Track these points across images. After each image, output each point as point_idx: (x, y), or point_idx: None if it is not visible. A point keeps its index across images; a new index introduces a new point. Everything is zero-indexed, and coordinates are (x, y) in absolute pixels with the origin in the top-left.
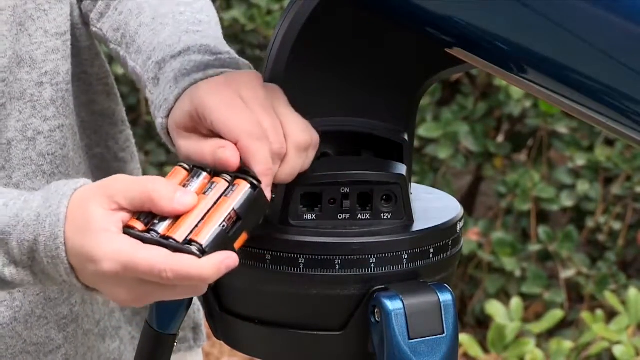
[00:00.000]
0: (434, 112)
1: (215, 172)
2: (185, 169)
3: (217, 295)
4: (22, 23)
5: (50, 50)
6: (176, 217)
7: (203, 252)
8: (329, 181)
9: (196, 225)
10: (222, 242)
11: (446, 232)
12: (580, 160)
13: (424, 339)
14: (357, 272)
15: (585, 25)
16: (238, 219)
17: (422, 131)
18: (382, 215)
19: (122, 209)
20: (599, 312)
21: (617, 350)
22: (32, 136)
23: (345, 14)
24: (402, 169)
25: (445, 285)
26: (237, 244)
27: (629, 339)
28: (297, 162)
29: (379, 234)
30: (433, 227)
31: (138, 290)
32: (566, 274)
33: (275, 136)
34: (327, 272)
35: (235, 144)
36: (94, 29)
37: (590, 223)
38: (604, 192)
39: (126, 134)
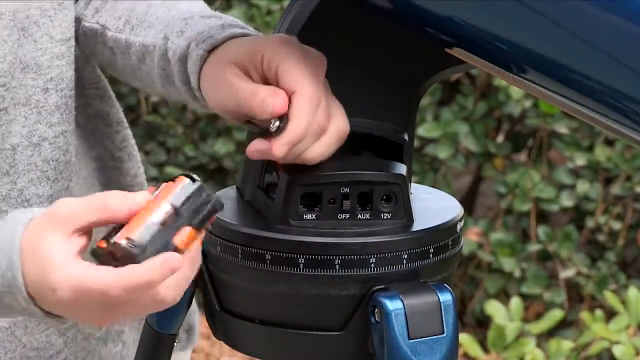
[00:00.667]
0: (434, 112)
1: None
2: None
3: (217, 295)
4: (25, 28)
5: (56, 56)
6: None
7: (135, 246)
8: (329, 181)
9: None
10: (159, 236)
11: (446, 232)
12: (580, 160)
13: (423, 339)
14: (357, 272)
15: (585, 25)
16: (177, 214)
17: (422, 131)
18: (382, 215)
19: (76, 231)
20: (599, 312)
21: (617, 350)
22: (38, 142)
23: (345, 14)
24: (402, 169)
25: (445, 285)
26: (183, 242)
27: (629, 338)
28: (330, 146)
29: (379, 234)
30: (433, 227)
31: (101, 312)
32: (566, 274)
33: (323, 112)
34: (327, 272)
35: (290, 96)
36: (88, 24)
37: (590, 223)
38: (604, 192)
39: (123, 134)
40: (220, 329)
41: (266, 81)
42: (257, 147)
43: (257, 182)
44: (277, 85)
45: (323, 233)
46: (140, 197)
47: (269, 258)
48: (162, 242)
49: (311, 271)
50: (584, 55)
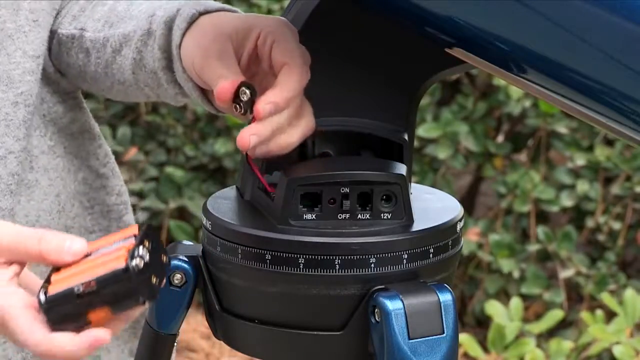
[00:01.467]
0: (434, 112)
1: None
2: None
3: (217, 295)
4: (1, 41)
5: (27, 71)
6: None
7: (41, 302)
8: (329, 181)
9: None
10: (68, 303)
11: (446, 232)
12: (580, 160)
13: (423, 339)
14: (357, 272)
15: (585, 25)
16: (94, 292)
17: (422, 131)
18: (382, 215)
19: (5, 262)
20: (599, 312)
21: (617, 350)
22: (4, 155)
23: (345, 14)
24: (402, 169)
25: (445, 285)
26: (95, 318)
27: (627, 340)
28: (300, 138)
29: (379, 234)
30: (433, 227)
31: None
32: (566, 274)
33: (301, 101)
34: (327, 272)
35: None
36: (65, 32)
37: (590, 223)
38: (603, 192)
39: (104, 148)
40: (220, 329)
41: (254, 58)
42: (243, 133)
43: (257, 182)
44: (269, 59)
45: (323, 233)
46: (77, 246)
47: (269, 258)
48: (67, 306)
49: (311, 271)
50: (584, 55)
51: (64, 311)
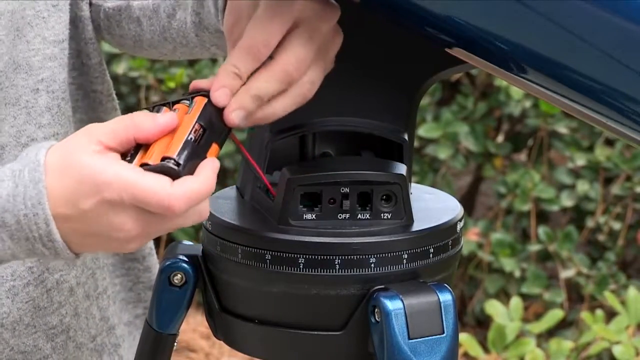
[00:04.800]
0: (434, 112)
1: (174, 102)
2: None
3: (217, 295)
4: (19, 29)
5: (48, 57)
6: (147, 148)
7: (178, 164)
8: (329, 181)
9: (167, 146)
10: (193, 152)
11: (446, 232)
12: (580, 160)
13: (423, 338)
14: (357, 272)
15: (585, 25)
16: (204, 131)
17: (422, 131)
18: (382, 215)
19: (109, 148)
20: (599, 312)
21: (617, 350)
22: (26, 142)
23: (345, 13)
24: (402, 169)
25: (445, 285)
26: (210, 155)
27: (629, 339)
28: (291, 106)
29: (379, 234)
30: (433, 227)
31: (142, 221)
32: (566, 274)
33: (299, 64)
34: (327, 272)
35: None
36: (110, 4)
37: (590, 223)
38: (604, 192)
39: None
40: (220, 329)
41: None
42: (227, 112)
43: (257, 182)
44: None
45: (323, 233)
46: (165, 117)
47: (269, 258)
48: (194, 155)
49: (311, 271)
50: (584, 55)
51: (192, 164)
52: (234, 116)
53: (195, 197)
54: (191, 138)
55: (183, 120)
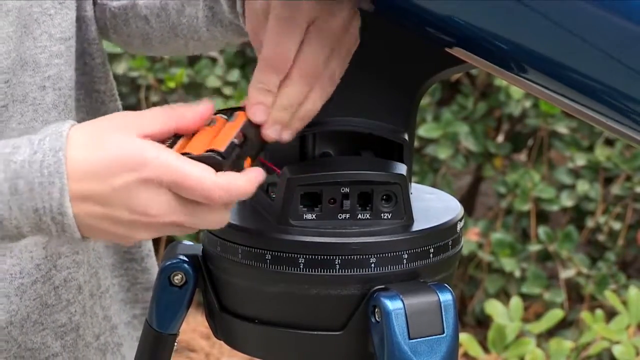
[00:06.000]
0: (434, 112)
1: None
2: None
3: (217, 295)
4: (26, 25)
5: (54, 54)
6: (187, 140)
7: (223, 157)
8: (329, 181)
9: (210, 142)
10: (235, 155)
11: (446, 232)
12: (580, 160)
13: (424, 338)
14: (357, 272)
15: (585, 25)
16: (245, 140)
17: (422, 131)
18: (382, 215)
19: (146, 136)
20: (599, 312)
21: (617, 350)
22: None
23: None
24: (402, 169)
25: (446, 285)
26: (245, 166)
27: (629, 338)
28: (323, 97)
29: (379, 234)
30: (433, 227)
31: (171, 208)
32: (566, 274)
33: (318, 58)
34: (327, 272)
35: None
36: (116, 4)
37: (590, 223)
38: (604, 192)
39: None
40: (220, 329)
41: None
42: (267, 131)
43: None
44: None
45: (323, 233)
46: (204, 106)
47: (269, 258)
48: (235, 157)
49: (311, 271)
50: (584, 55)
51: (234, 165)
52: (271, 132)
53: (236, 193)
54: (235, 142)
55: (225, 127)
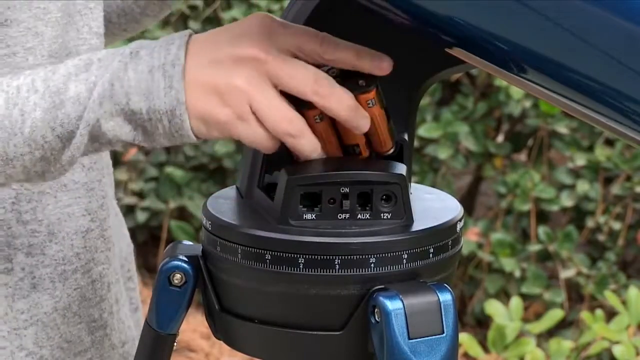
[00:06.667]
0: (434, 112)
1: None
2: None
3: (217, 295)
4: (71, 15)
5: (93, 47)
6: None
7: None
8: (329, 181)
9: None
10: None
11: (446, 232)
12: (580, 160)
13: (423, 338)
14: (357, 272)
15: (585, 25)
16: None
17: (422, 131)
18: (382, 215)
19: (284, 50)
20: (599, 312)
21: (617, 350)
22: None
23: (345, 14)
24: (402, 168)
25: (445, 285)
26: None
27: (629, 338)
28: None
29: (379, 234)
30: (433, 227)
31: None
32: (566, 274)
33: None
34: (327, 272)
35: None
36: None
37: (590, 223)
38: (604, 192)
39: None
40: (220, 329)
41: None
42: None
43: (257, 182)
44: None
45: (323, 233)
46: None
47: (269, 258)
48: None
49: (311, 271)
50: (584, 55)
51: None
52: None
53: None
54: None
55: None
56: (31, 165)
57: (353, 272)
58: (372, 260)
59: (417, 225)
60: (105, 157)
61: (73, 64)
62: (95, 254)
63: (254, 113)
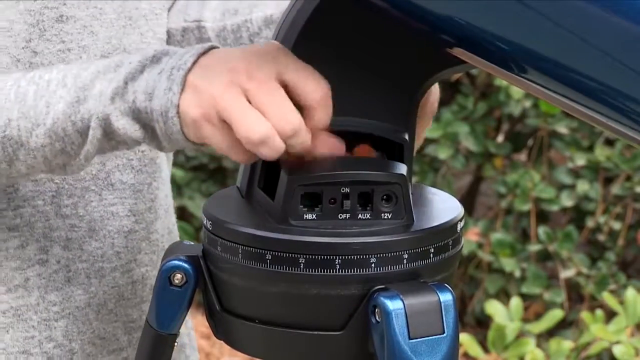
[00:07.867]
0: None
1: None
2: None
3: (217, 295)
4: (132, 18)
5: None
6: None
7: None
8: (329, 181)
9: None
10: None
11: (446, 232)
12: (580, 160)
13: (424, 338)
14: (357, 272)
15: (585, 25)
16: None
17: None
18: (382, 215)
19: (279, 80)
20: (599, 312)
21: (617, 350)
22: None
23: (345, 14)
24: (402, 168)
25: (446, 285)
26: None
27: (628, 339)
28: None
29: (380, 234)
30: (433, 227)
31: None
32: (566, 274)
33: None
34: (327, 272)
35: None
36: (172, 25)
37: (590, 223)
38: (604, 192)
39: None
40: (221, 329)
41: None
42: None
43: (257, 182)
44: None
45: (323, 233)
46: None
47: (269, 258)
48: None
49: (311, 271)
50: (584, 55)
51: None
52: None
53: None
54: None
55: None
56: (52, 157)
57: (354, 272)
58: (373, 260)
59: (418, 225)
60: (160, 162)
61: (105, 63)
62: (138, 255)
63: (223, 120)
